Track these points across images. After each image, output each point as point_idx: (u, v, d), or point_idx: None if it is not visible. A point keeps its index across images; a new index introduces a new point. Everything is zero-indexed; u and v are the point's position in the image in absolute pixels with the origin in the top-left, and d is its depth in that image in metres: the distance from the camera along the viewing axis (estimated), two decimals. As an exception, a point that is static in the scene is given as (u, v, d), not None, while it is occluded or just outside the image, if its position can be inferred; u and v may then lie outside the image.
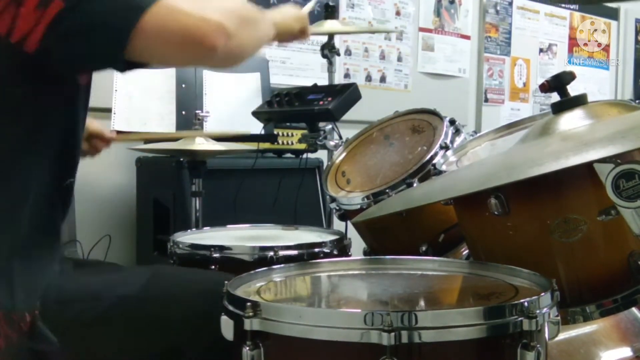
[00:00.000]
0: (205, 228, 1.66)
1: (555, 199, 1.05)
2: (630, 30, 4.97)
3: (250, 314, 0.79)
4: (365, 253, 1.62)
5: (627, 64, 4.99)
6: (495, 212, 1.05)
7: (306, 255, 1.34)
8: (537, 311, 0.78)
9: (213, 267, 1.31)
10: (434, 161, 1.41)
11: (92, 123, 1.50)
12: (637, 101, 1.22)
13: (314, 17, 3.14)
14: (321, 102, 1.82)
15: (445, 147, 1.43)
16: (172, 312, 1.05)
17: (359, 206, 1.48)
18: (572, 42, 4.60)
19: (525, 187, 1.03)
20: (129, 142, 2.01)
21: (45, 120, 0.98)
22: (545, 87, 1.19)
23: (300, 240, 1.44)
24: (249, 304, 0.80)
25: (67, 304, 1.01)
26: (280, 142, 2.48)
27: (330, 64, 2.24)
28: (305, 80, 2.95)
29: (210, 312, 0.90)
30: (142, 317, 1.04)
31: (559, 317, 0.83)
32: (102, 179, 2.56)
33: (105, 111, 2.24)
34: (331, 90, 1.88)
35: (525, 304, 0.78)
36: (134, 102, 2.21)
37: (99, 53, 0.93)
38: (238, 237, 1.55)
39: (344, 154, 1.70)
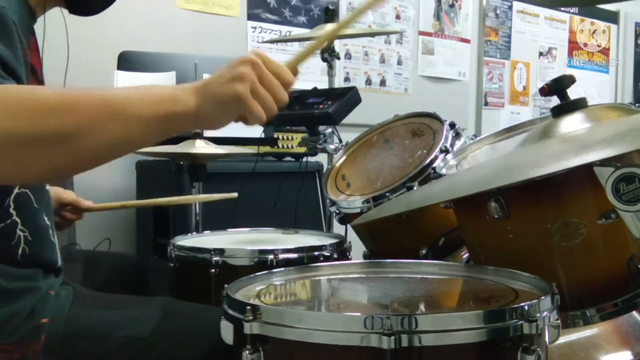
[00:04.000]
0: (205, 232, 1.66)
1: (555, 202, 1.05)
2: (630, 34, 4.98)
3: (250, 317, 0.79)
4: (365, 256, 1.61)
5: (627, 67, 5.00)
6: (496, 216, 1.05)
7: (306, 258, 1.34)
8: (538, 315, 0.78)
9: (213, 270, 1.31)
10: (434, 165, 1.41)
11: (67, 193, 1.48)
12: (636, 104, 1.22)
13: (314, 21, 3.16)
14: (321, 106, 1.82)
15: (445, 151, 1.43)
16: (180, 358, 1.04)
17: (359, 210, 1.48)
18: (572, 46, 4.61)
19: (525, 190, 1.03)
20: (105, 210, 1.88)
21: None
22: (545, 91, 1.19)
23: (300, 243, 1.44)
24: (248, 307, 0.80)
25: (74, 339, 1.01)
26: (280, 145, 2.48)
27: (330, 67, 2.24)
28: (305, 84, 2.94)
29: (220, 356, 0.87)
30: None
31: (559, 321, 0.83)
32: (102, 182, 2.56)
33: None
34: (331, 93, 1.89)
35: (526, 307, 0.78)
36: (134, 105, 2.21)
37: None
38: (238, 240, 1.55)
39: (344, 158, 1.70)
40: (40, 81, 1.07)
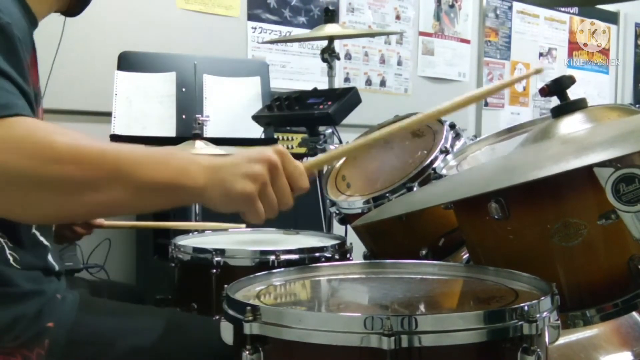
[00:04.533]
0: (206, 232, 1.66)
1: (555, 203, 1.05)
2: (630, 35, 4.98)
3: (250, 318, 0.79)
4: (365, 257, 1.61)
5: (627, 67, 5.00)
6: (496, 216, 1.05)
7: (307, 259, 1.33)
8: (538, 315, 0.78)
9: (214, 271, 1.31)
10: (434, 165, 1.41)
11: None
12: (636, 105, 1.22)
13: (314, 22, 3.16)
14: (321, 106, 1.82)
15: (445, 151, 1.43)
16: None
17: (359, 210, 1.48)
18: (572, 46, 4.61)
19: (526, 191, 1.03)
20: (116, 228, 1.82)
21: None
22: (545, 91, 1.19)
23: (301, 244, 1.44)
24: (248, 308, 0.80)
25: (76, 346, 1.00)
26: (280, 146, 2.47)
27: (330, 68, 2.24)
28: (305, 84, 2.95)
29: None
30: None
31: (559, 321, 0.83)
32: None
33: (106, 115, 2.24)
34: (331, 94, 1.89)
35: (526, 308, 0.78)
36: (134, 106, 2.21)
37: None
38: (239, 241, 1.55)
39: (344, 158, 1.70)
40: (37, 95, 1.06)
